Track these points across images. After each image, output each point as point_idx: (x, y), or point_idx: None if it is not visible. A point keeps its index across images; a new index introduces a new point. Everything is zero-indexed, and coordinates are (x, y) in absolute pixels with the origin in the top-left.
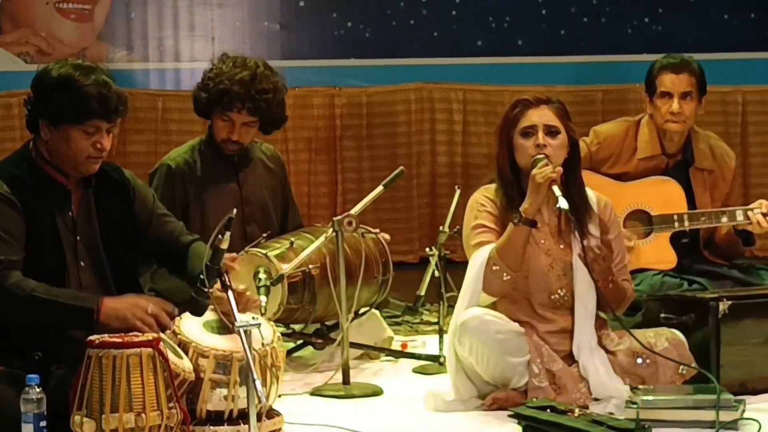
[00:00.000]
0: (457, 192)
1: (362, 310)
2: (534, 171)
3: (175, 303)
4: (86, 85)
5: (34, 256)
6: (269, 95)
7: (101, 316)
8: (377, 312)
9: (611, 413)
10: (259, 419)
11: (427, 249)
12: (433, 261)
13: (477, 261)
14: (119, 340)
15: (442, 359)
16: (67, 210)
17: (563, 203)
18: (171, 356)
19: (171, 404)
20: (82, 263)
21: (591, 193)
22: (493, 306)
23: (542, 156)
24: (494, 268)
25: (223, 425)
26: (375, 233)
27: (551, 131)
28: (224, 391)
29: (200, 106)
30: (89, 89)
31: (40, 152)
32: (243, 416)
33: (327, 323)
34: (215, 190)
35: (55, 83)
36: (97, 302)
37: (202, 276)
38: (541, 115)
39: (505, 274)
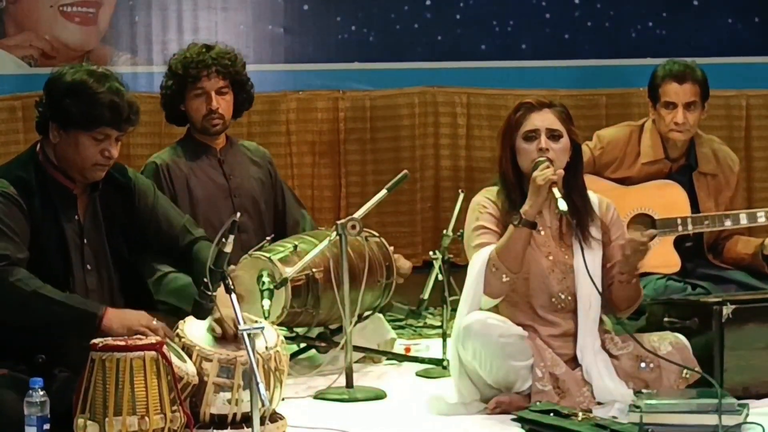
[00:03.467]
0: (461, 196)
1: (366, 313)
2: (535, 173)
3: (179, 311)
4: (99, 93)
5: (40, 260)
6: (229, 53)
7: (104, 323)
8: (381, 315)
9: (615, 417)
10: (262, 423)
11: (431, 252)
12: (436, 264)
13: (477, 262)
14: (123, 343)
15: (445, 363)
16: (73, 214)
17: (562, 205)
18: (174, 360)
19: (174, 408)
20: (89, 267)
21: (593, 196)
22: (495, 309)
23: (544, 158)
24: (494, 269)
25: (226, 429)
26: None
27: (553, 135)
28: (228, 395)
29: (171, 99)
30: (102, 97)
31: (46, 156)
32: (246, 420)
33: (330, 327)
34: (203, 184)
35: (68, 88)
36: (101, 309)
37: (205, 279)
38: (543, 119)
39: (504, 276)
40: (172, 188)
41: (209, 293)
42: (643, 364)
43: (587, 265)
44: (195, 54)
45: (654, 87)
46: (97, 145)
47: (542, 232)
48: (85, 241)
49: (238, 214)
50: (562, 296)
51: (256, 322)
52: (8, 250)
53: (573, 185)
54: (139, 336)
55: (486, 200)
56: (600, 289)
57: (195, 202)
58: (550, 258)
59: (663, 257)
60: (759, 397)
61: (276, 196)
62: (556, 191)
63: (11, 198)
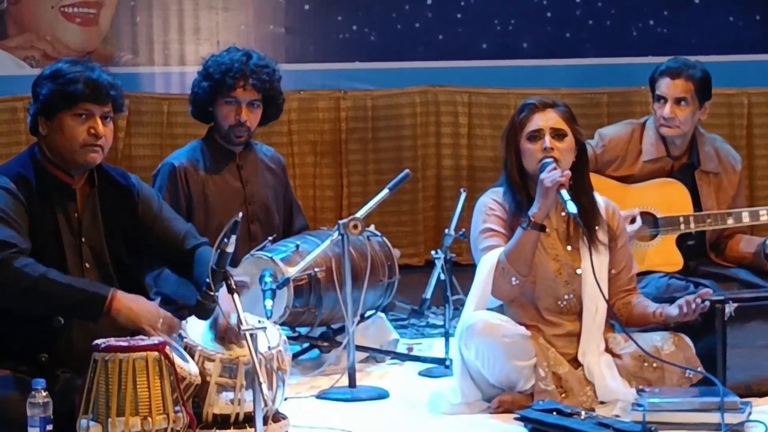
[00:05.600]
0: (463, 195)
1: (368, 313)
2: (542, 175)
3: (180, 307)
4: (73, 71)
5: (38, 256)
6: (269, 69)
7: (112, 308)
8: (383, 315)
9: (617, 416)
10: (265, 422)
11: (433, 252)
12: (438, 264)
13: (486, 265)
14: (125, 344)
15: (448, 362)
16: (72, 211)
17: (572, 208)
18: (177, 360)
19: (177, 408)
20: (87, 265)
21: (599, 198)
22: (500, 310)
23: (551, 159)
24: (503, 272)
25: (229, 429)
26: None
27: (558, 134)
28: (230, 395)
29: (202, 99)
30: (77, 75)
31: (43, 153)
32: (249, 419)
33: (333, 326)
34: (219, 189)
35: (46, 77)
36: (109, 292)
37: (208, 280)
38: (547, 119)
39: (514, 279)
40: (188, 192)
41: (212, 293)
42: (645, 364)
43: (595, 272)
44: (236, 62)
45: (652, 82)
46: (82, 124)
47: (549, 235)
48: (83, 239)
49: (240, 214)
50: (568, 299)
51: (259, 321)
52: (15, 238)
53: (579, 185)
54: (141, 336)
55: (492, 202)
56: (606, 297)
57: (210, 207)
58: (557, 261)
59: (665, 256)
60: (762, 395)
61: (285, 206)
62: (564, 193)
63: (13, 193)
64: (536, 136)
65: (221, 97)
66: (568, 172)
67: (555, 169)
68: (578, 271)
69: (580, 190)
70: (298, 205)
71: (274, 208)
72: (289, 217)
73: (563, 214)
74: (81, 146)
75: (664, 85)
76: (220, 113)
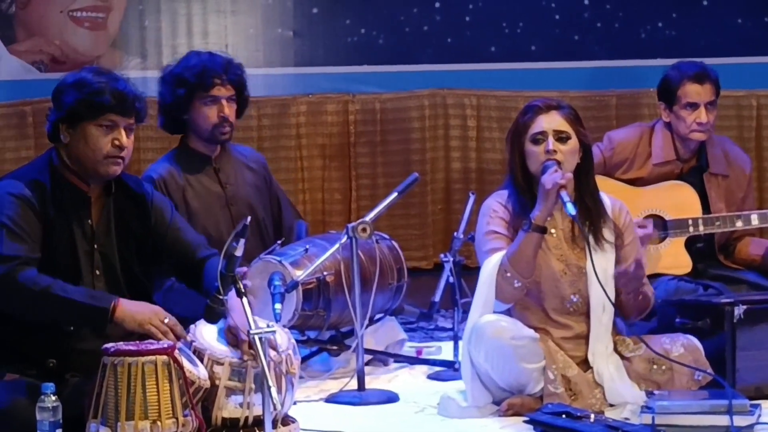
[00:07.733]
0: (471, 198)
1: (377, 316)
2: (543, 177)
3: (188, 320)
4: (100, 82)
5: (50, 263)
6: (236, 63)
7: (116, 316)
8: (394, 318)
9: (627, 419)
10: (274, 426)
11: (442, 255)
12: (447, 267)
13: (488, 268)
14: (134, 347)
15: (457, 365)
16: (86, 218)
17: (571, 209)
18: (186, 363)
19: (186, 412)
20: (97, 272)
21: (605, 198)
22: (507, 312)
23: (552, 162)
24: (506, 275)
25: None
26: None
27: (561, 137)
28: (239, 398)
29: (177, 107)
30: (103, 85)
31: (61, 159)
32: (258, 423)
33: (342, 330)
34: (199, 194)
35: (70, 84)
36: (111, 302)
37: (216, 283)
38: (550, 121)
39: (516, 281)
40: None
41: (220, 297)
42: (655, 366)
43: (596, 271)
44: (206, 62)
45: (671, 90)
46: (106, 135)
47: (554, 234)
48: (96, 245)
49: (248, 218)
50: (575, 299)
51: (268, 325)
52: (21, 251)
53: (584, 187)
54: (150, 341)
55: (496, 204)
56: (610, 296)
57: (192, 213)
58: (562, 260)
59: (674, 258)
60: None
61: (272, 203)
62: (564, 195)
63: (26, 200)
64: (539, 138)
65: (199, 99)
66: (569, 175)
67: (556, 171)
68: (584, 270)
69: (585, 191)
70: (287, 199)
71: (259, 205)
72: (278, 213)
73: (566, 214)
74: (104, 157)
75: (694, 92)
76: (200, 115)
